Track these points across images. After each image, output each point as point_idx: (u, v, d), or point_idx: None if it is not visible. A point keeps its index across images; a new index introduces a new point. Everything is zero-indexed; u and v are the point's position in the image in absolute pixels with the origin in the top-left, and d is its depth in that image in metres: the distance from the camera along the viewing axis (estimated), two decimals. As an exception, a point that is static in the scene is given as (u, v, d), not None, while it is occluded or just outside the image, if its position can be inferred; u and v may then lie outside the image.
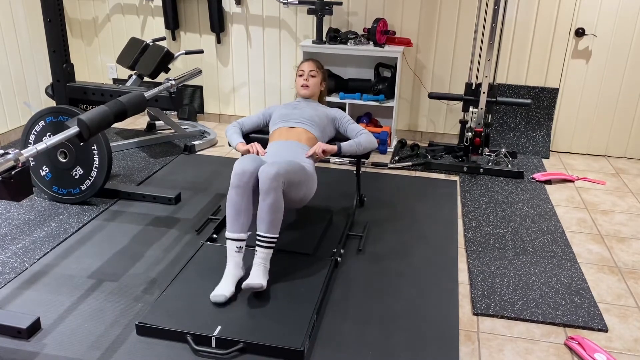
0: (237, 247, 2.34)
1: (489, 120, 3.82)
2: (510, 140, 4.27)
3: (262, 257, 2.32)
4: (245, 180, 2.34)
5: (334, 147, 2.78)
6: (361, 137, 2.90)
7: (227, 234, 2.35)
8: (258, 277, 2.27)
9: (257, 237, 2.31)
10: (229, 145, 2.94)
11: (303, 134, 2.82)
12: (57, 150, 3.13)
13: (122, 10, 4.65)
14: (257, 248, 2.32)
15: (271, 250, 2.33)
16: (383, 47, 4.00)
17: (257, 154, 2.70)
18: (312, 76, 3.06)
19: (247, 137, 3.05)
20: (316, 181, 2.66)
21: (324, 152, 2.74)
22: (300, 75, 3.08)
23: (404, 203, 3.35)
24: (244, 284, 2.25)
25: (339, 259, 2.66)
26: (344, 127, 3.00)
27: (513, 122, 4.27)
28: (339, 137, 3.10)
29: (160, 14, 4.59)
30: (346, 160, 4.01)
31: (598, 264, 2.77)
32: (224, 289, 2.27)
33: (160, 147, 4.19)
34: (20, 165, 1.95)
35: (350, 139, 2.94)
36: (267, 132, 3.02)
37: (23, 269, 2.55)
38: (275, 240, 2.33)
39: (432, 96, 3.93)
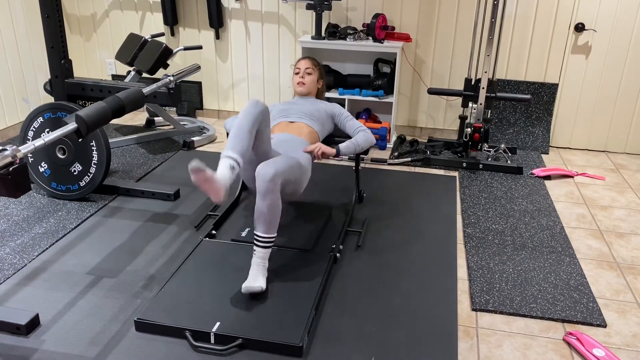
0: (230, 165, 2.23)
1: (489, 116, 3.82)
2: (509, 135, 4.26)
3: (260, 257, 2.32)
4: (260, 109, 2.35)
5: (333, 150, 2.77)
6: (359, 136, 2.89)
7: (225, 152, 2.26)
8: (257, 280, 2.27)
9: (255, 237, 2.31)
10: (227, 136, 2.93)
11: (304, 128, 2.83)
12: (55, 146, 3.13)
13: (120, 6, 4.63)
14: (255, 248, 2.32)
15: (269, 250, 2.33)
16: (382, 43, 3.99)
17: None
18: (309, 74, 3.06)
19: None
20: (309, 177, 2.65)
21: (322, 154, 2.74)
22: (297, 73, 3.08)
23: (403, 199, 3.35)
24: (244, 288, 2.25)
25: (338, 254, 2.66)
26: (343, 123, 3.00)
27: (512, 117, 4.26)
28: (337, 132, 3.10)
29: (159, 10, 4.57)
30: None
31: (597, 259, 2.76)
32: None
33: (159, 143, 4.19)
34: (17, 161, 1.95)
35: (348, 135, 2.96)
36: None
37: (22, 266, 2.55)
38: (273, 239, 2.32)
39: (431, 92, 3.92)
